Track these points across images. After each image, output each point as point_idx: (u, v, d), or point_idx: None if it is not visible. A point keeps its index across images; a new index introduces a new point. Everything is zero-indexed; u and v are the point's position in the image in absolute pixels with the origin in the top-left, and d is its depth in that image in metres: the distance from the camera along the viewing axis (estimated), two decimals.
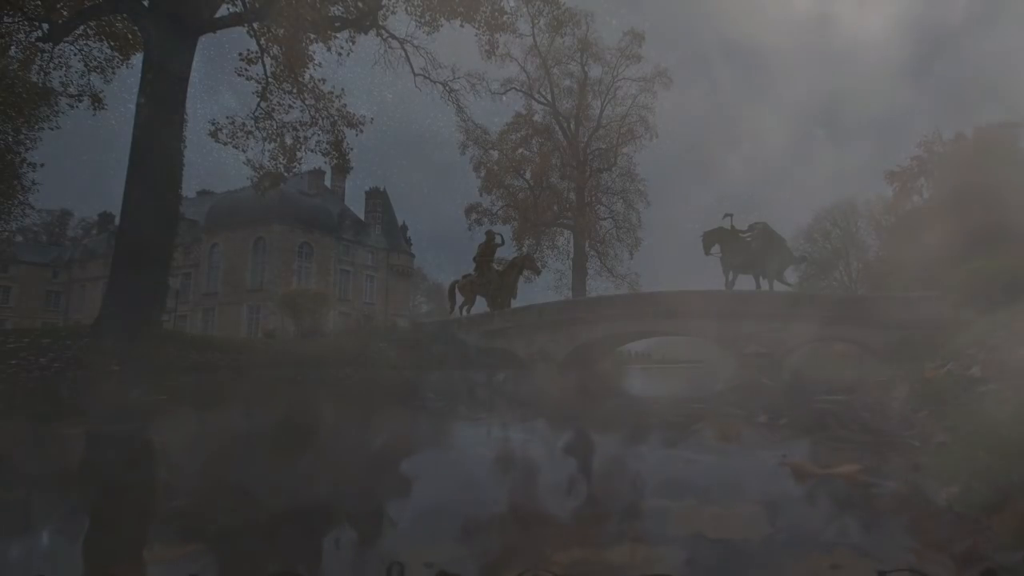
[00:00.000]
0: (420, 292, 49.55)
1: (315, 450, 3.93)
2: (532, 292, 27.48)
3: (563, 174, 31.20)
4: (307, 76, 15.92)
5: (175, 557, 1.65)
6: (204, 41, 15.05)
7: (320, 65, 16.29)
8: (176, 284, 23.08)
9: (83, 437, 4.51)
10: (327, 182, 37.38)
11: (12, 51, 13.60)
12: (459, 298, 21.81)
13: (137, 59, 14.70)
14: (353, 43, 16.31)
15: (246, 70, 15.68)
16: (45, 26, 13.76)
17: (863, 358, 16.07)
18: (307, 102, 16.07)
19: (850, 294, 29.04)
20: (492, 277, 21.62)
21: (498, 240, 23.21)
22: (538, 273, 25.66)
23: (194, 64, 14.37)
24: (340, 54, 16.14)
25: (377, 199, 39.03)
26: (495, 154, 30.98)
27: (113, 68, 15.16)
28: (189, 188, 26.52)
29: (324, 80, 16.21)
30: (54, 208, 43.92)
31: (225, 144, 15.68)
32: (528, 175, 31.28)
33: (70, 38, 14.30)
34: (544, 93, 30.63)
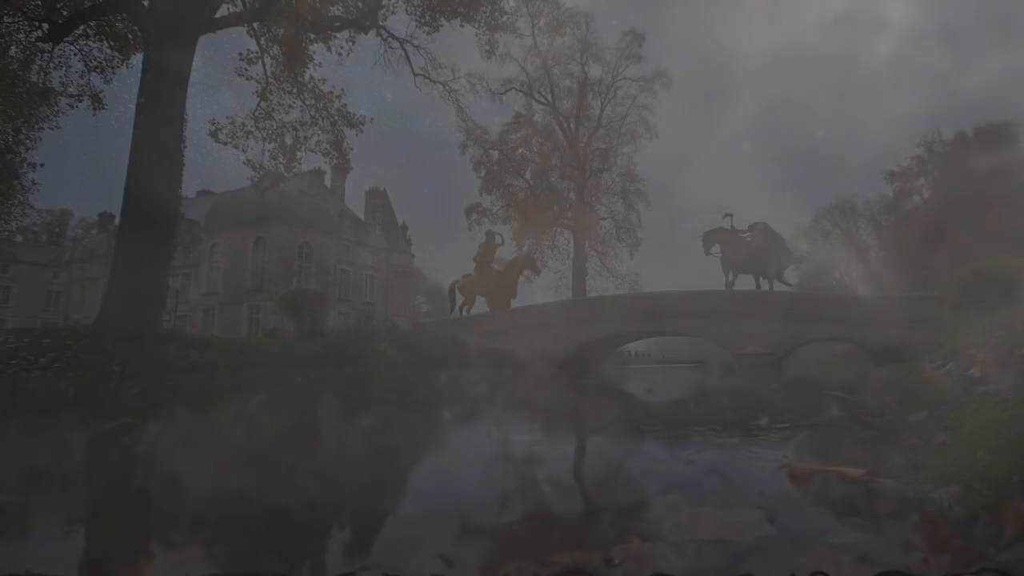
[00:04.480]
0: (420, 292, 49.44)
1: (305, 448, 3.93)
2: (532, 292, 27.42)
3: (563, 174, 31.16)
4: (307, 76, 15.90)
5: (175, 558, 1.65)
6: (204, 41, 15.00)
7: (320, 65, 16.25)
8: (176, 284, 22.99)
9: (82, 436, 4.51)
10: (327, 182, 37.28)
11: (12, 51, 13.55)
12: (459, 298, 21.78)
13: (137, 59, 14.63)
14: (353, 43, 16.27)
15: (246, 70, 15.65)
16: (45, 26, 13.72)
17: (864, 358, 16.05)
18: (307, 102, 16.04)
19: (849, 294, 29.01)
20: (492, 277, 21.59)
21: (498, 240, 23.18)
22: (538, 273, 25.60)
23: (194, 64, 14.34)
24: (340, 54, 16.10)
25: (377, 199, 38.97)
26: (495, 154, 30.95)
27: (113, 68, 15.06)
28: (189, 188, 26.40)
29: (324, 80, 16.18)
30: (54, 208, 43.84)
31: (225, 144, 15.63)
32: (528, 175, 31.26)
33: (70, 38, 14.24)
34: (544, 93, 30.60)
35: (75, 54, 14.52)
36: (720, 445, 3.84)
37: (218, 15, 14.81)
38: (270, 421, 5.97)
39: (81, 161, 53.03)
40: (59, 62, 14.30)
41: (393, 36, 17.51)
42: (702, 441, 3.97)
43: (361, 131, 16.52)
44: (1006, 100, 50.59)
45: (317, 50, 15.74)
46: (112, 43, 14.91)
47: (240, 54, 15.63)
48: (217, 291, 33.57)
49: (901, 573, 1.39)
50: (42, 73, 14.10)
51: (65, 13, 13.93)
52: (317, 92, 15.99)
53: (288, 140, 16.09)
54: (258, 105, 15.77)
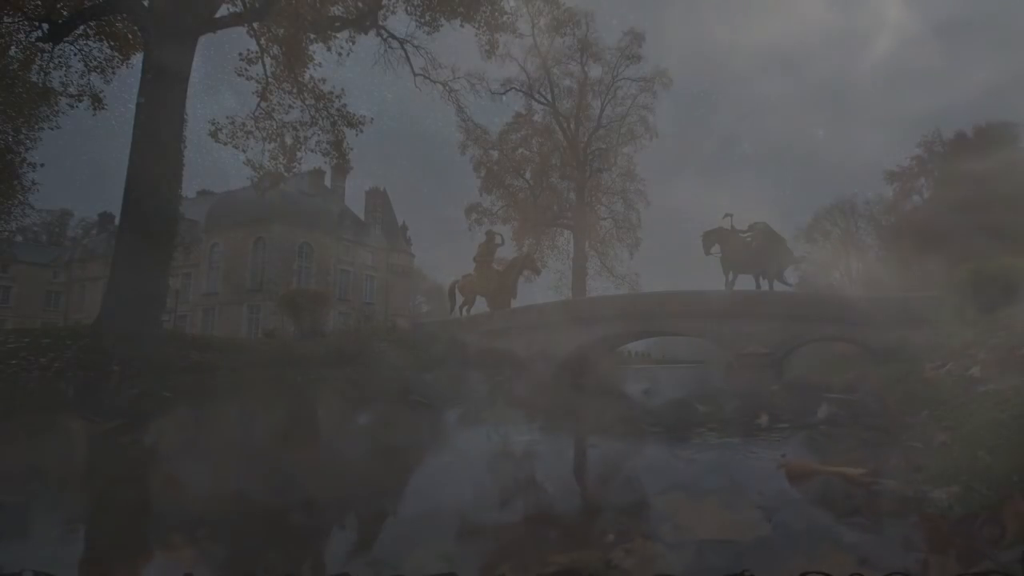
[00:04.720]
0: (420, 292, 49.44)
1: (305, 448, 3.93)
2: (532, 292, 27.43)
3: (563, 174, 31.17)
4: (307, 76, 15.93)
5: (175, 558, 1.65)
6: (204, 41, 15.02)
7: (320, 65, 16.29)
8: (176, 284, 23.04)
9: (82, 436, 4.51)
10: (327, 182, 37.29)
11: (12, 51, 13.56)
12: (459, 298, 21.77)
13: (137, 59, 14.65)
14: (353, 43, 16.31)
15: (246, 70, 15.68)
16: (45, 26, 13.72)
17: (864, 358, 16.03)
18: (307, 102, 16.06)
19: (849, 294, 28.96)
20: (492, 277, 21.58)
21: (498, 240, 23.18)
22: (538, 273, 25.59)
23: (194, 64, 14.35)
24: (340, 54, 16.15)
25: (377, 199, 38.99)
26: (495, 154, 30.98)
27: (113, 68, 15.08)
28: (189, 188, 26.47)
29: (324, 80, 16.22)
30: (54, 208, 43.87)
31: (225, 144, 15.66)
32: (528, 175, 31.27)
33: (70, 38, 14.25)
34: (544, 93, 30.60)
35: (75, 54, 14.55)
36: (720, 445, 3.84)
37: (218, 15, 14.83)
38: (270, 421, 5.97)
39: (81, 161, 53.20)
40: (59, 62, 14.34)
41: (393, 36, 17.55)
42: (702, 441, 3.97)
43: (361, 131, 16.56)
44: (1006, 100, 50.64)
45: (317, 50, 15.80)
46: (112, 43, 14.92)
47: (240, 54, 15.68)
48: (217, 291, 33.58)
49: (901, 575, 1.39)
50: (42, 73, 14.11)
51: (65, 13, 13.94)
52: (317, 92, 16.00)
53: (288, 140, 16.12)
54: (258, 105, 15.81)
